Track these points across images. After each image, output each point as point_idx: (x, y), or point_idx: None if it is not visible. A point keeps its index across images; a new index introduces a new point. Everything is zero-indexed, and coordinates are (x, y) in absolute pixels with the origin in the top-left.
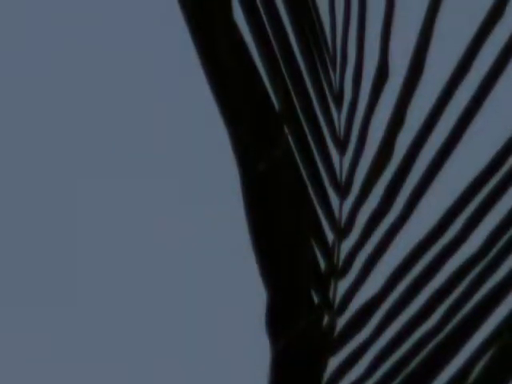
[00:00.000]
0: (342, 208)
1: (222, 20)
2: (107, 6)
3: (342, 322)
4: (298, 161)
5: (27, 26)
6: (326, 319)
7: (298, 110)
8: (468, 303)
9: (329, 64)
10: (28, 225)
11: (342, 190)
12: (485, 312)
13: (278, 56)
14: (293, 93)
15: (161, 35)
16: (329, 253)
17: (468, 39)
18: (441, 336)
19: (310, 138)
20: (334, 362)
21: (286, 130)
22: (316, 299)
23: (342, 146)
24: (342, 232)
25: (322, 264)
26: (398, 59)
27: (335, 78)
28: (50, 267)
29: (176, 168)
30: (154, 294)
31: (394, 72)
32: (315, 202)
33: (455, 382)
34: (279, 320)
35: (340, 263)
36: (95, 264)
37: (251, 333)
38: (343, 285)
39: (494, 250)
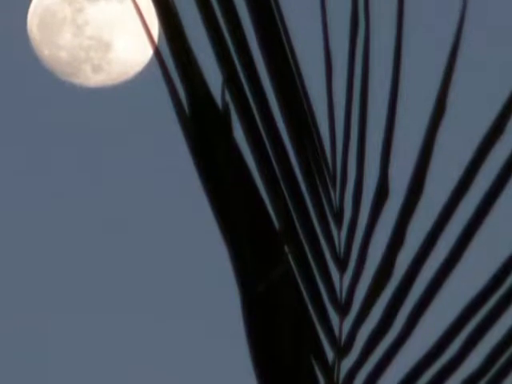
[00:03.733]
0: (342, 326)
1: (223, 140)
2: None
3: None
4: (298, 279)
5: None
6: None
7: (298, 229)
8: None
9: (329, 182)
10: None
11: (342, 309)
12: None
13: (278, 174)
14: (293, 211)
15: (161, 155)
16: (329, 371)
17: (468, 158)
18: None
19: (309, 256)
20: None
21: (286, 249)
22: None
23: (342, 265)
24: (342, 350)
25: (322, 382)
26: (398, 178)
27: (335, 196)
28: None
29: (176, 285)
30: None
31: (394, 191)
32: (315, 320)
33: None
34: None
35: (340, 381)
36: None
37: None
38: None
39: (494, 369)
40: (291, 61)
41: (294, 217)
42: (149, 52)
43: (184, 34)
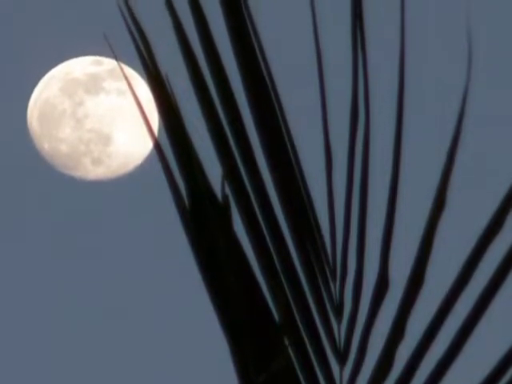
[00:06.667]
0: None
1: (222, 233)
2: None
3: None
4: (298, 371)
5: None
6: None
7: (298, 322)
8: None
9: (329, 275)
10: None
11: None
12: None
13: (278, 267)
14: (293, 304)
15: (161, 247)
16: None
17: (467, 251)
18: None
19: (309, 349)
20: None
21: (286, 342)
22: None
23: (342, 358)
24: None
25: None
26: (398, 270)
27: (335, 289)
28: None
29: (176, 377)
30: None
31: (395, 283)
32: None
33: None
34: None
35: None
36: None
37: None
38: None
39: None
40: (291, 154)
41: (294, 309)
42: (149, 145)
43: (184, 127)
